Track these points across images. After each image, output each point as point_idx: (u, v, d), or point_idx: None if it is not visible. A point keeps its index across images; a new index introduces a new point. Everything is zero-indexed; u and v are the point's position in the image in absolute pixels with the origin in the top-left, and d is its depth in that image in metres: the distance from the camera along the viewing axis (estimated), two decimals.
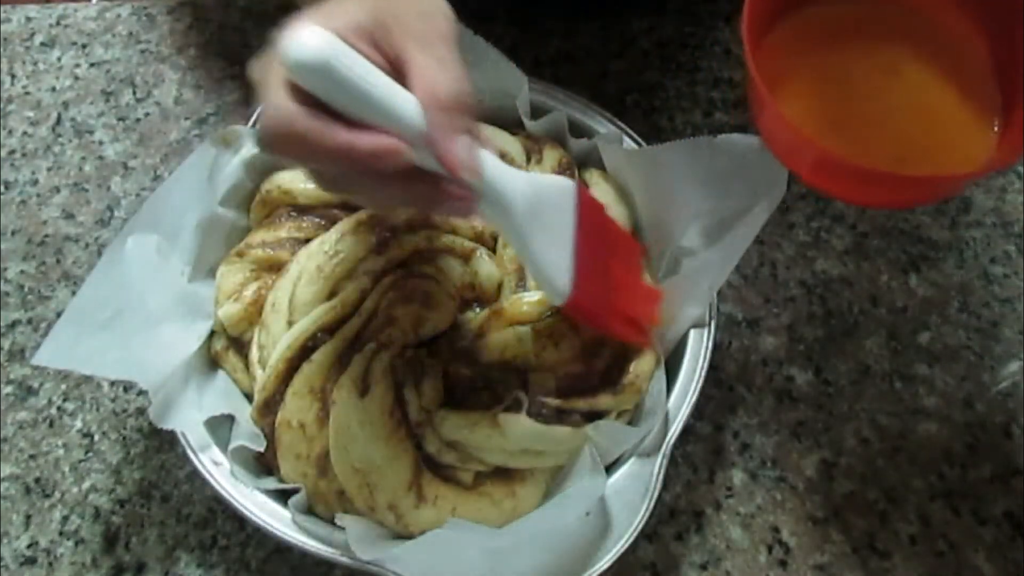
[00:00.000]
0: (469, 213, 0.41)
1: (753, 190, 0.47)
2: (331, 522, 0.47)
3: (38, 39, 0.71)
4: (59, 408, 0.57)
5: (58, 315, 0.55)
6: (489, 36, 0.51)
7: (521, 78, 0.54)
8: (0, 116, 0.68)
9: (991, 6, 0.46)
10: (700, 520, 0.53)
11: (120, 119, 0.68)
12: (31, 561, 0.53)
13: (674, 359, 0.51)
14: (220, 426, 0.50)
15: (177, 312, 0.51)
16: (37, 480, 0.55)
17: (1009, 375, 0.57)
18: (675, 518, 0.53)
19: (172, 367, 0.49)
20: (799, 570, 0.51)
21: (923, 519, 0.53)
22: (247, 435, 0.49)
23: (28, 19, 0.72)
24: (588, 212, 0.47)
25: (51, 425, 0.57)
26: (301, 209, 0.54)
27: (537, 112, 0.57)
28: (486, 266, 0.51)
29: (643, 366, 0.50)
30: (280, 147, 0.37)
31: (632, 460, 0.48)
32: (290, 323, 0.50)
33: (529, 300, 0.50)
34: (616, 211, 0.54)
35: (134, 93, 0.69)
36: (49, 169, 0.66)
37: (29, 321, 0.60)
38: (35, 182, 0.65)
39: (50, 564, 0.53)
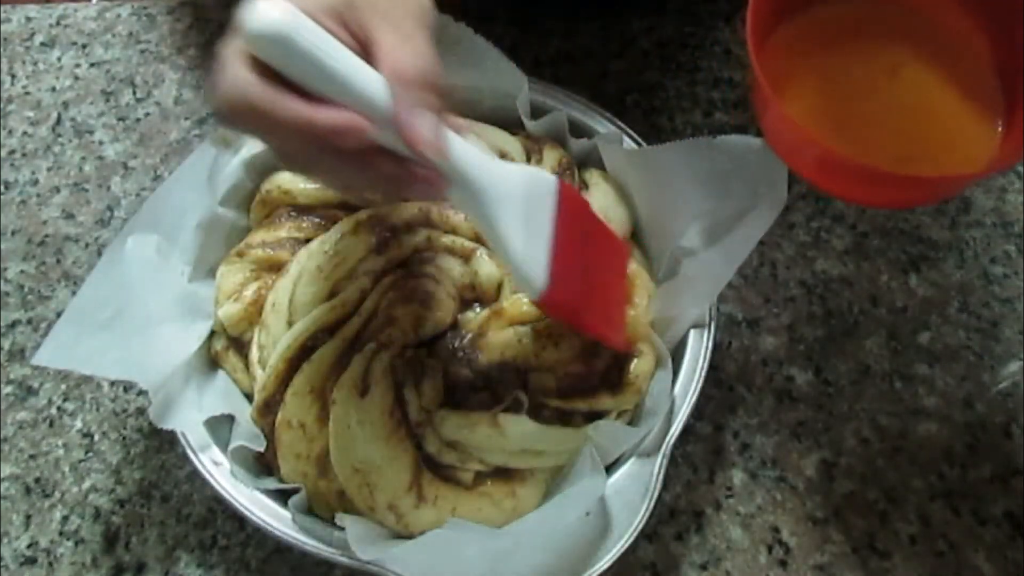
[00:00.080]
0: (437, 197, 0.40)
1: (753, 190, 0.47)
2: (331, 522, 0.47)
3: (38, 39, 0.71)
4: (59, 408, 0.57)
5: (58, 315, 0.55)
6: (489, 36, 0.51)
7: (521, 78, 0.54)
8: (0, 116, 0.68)
9: (993, 7, 0.46)
10: (700, 520, 0.53)
11: (120, 119, 0.68)
12: (31, 561, 0.53)
13: (674, 359, 0.51)
14: (220, 426, 0.50)
15: (177, 312, 0.51)
16: (37, 480, 0.55)
17: (1009, 375, 0.57)
18: (675, 518, 0.53)
19: (172, 367, 0.49)
20: (799, 570, 0.51)
21: (923, 519, 0.53)
22: (247, 435, 0.49)
23: (28, 19, 0.72)
24: (570, 208, 0.46)
25: (51, 425, 0.57)
26: (301, 209, 0.54)
27: (537, 112, 0.57)
28: (486, 266, 0.51)
29: (643, 366, 0.50)
30: (235, 118, 0.36)
31: (632, 460, 0.48)
32: (290, 323, 0.50)
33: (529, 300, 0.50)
34: (616, 211, 0.54)
35: (134, 93, 0.69)
36: (49, 169, 0.66)
37: (29, 321, 0.60)
38: (35, 182, 0.65)
39: (50, 564, 0.53)
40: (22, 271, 0.62)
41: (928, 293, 0.59)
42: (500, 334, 0.49)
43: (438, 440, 0.48)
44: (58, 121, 0.68)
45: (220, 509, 0.54)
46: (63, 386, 0.58)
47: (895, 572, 0.51)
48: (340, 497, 0.48)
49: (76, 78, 0.69)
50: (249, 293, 0.52)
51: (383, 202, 0.52)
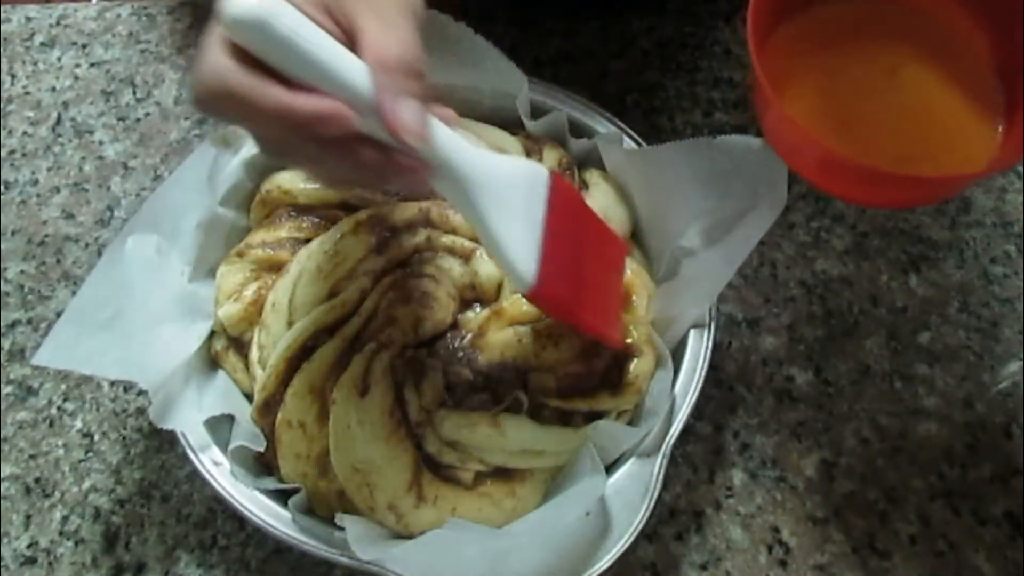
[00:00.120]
0: (421, 188, 0.39)
1: (753, 190, 0.47)
2: (331, 522, 0.47)
3: (38, 39, 0.71)
4: (59, 408, 0.57)
5: (58, 315, 0.55)
6: (489, 36, 0.51)
7: (521, 78, 0.54)
8: (0, 116, 0.68)
9: (993, 7, 0.46)
10: (700, 520, 0.53)
11: (120, 119, 0.68)
12: (31, 561, 0.53)
13: (674, 359, 0.51)
14: (220, 426, 0.50)
15: (177, 312, 0.51)
16: (37, 480, 0.55)
17: (1009, 375, 0.57)
18: (675, 518, 0.53)
19: (172, 367, 0.49)
20: (799, 570, 0.51)
21: (923, 519, 0.53)
22: (247, 435, 0.49)
23: (28, 19, 0.72)
24: (563, 201, 0.45)
25: (51, 425, 0.57)
26: (301, 209, 0.54)
27: (537, 112, 0.57)
28: (486, 266, 0.51)
29: (643, 366, 0.50)
30: (213, 105, 0.36)
31: (632, 460, 0.48)
32: (290, 323, 0.50)
33: None
34: (616, 211, 0.54)
35: (134, 93, 0.69)
36: (49, 169, 0.66)
37: (29, 321, 0.60)
38: (35, 182, 0.65)
39: (50, 564, 0.53)
40: (22, 271, 0.62)
41: (928, 293, 0.59)
42: (500, 334, 0.49)
43: (438, 440, 0.48)
44: (58, 121, 0.68)
45: (220, 509, 0.54)
46: (63, 386, 0.58)
47: (895, 572, 0.51)
48: (340, 497, 0.48)
49: (76, 78, 0.69)
50: (249, 293, 0.52)
51: (370, 193, 0.52)
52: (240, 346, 0.52)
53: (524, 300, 0.49)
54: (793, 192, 0.61)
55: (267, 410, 0.49)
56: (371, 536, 0.46)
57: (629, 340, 0.50)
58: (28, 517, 0.54)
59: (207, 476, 0.48)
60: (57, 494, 0.55)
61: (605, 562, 0.45)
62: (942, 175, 0.44)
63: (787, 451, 0.55)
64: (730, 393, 0.56)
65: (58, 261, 0.62)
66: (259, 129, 0.38)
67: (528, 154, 0.55)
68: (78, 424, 0.57)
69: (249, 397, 0.52)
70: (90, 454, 0.56)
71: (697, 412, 0.52)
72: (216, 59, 0.35)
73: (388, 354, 0.48)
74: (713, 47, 0.68)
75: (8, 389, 0.58)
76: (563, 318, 0.47)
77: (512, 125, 0.56)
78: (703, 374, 0.50)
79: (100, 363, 0.48)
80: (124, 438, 0.56)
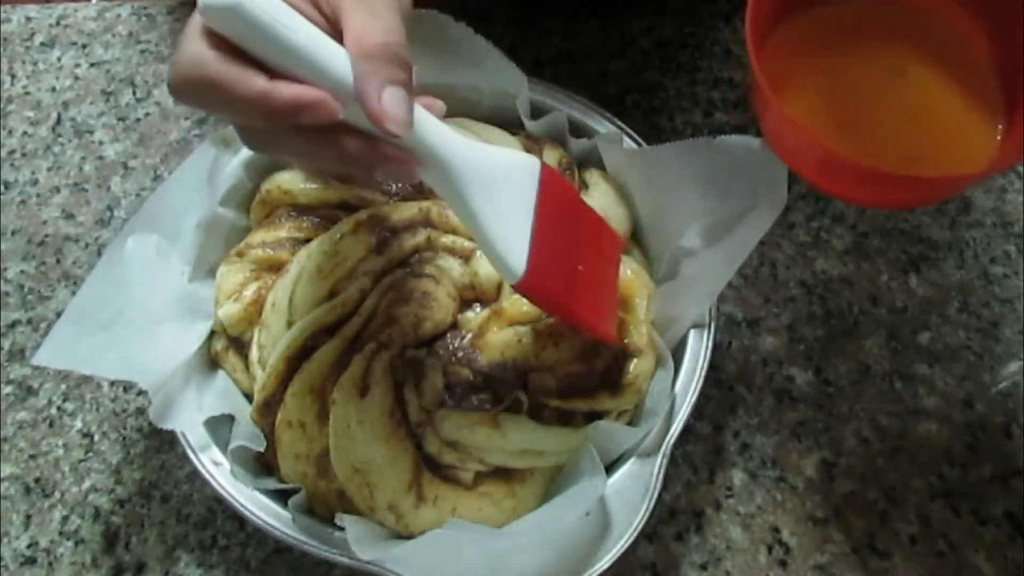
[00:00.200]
0: (407, 177, 0.39)
1: (753, 190, 0.47)
2: (331, 522, 0.47)
3: (38, 39, 0.71)
4: (59, 408, 0.57)
5: (58, 315, 0.55)
6: (489, 36, 0.51)
7: (521, 78, 0.54)
8: (0, 116, 0.68)
9: (993, 7, 0.46)
10: (700, 520, 0.53)
11: (120, 119, 0.68)
12: (31, 561, 0.53)
13: (674, 359, 0.51)
14: (220, 426, 0.50)
15: (177, 312, 0.51)
16: (37, 480, 0.55)
17: (1009, 375, 0.57)
18: (675, 518, 0.53)
19: (172, 367, 0.49)
20: (799, 570, 0.51)
21: (923, 519, 0.53)
22: (247, 435, 0.49)
23: (28, 19, 0.72)
24: (555, 194, 0.44)
25: (51, 425, 0.57)
26: (301, 209, 0.54)
27: (537, 112, 0.57)
28: (486, 266, 0.51)
29: (643, 366, 0.50)
30: (190, 94, 0.36)
31: (632, 460, 0.48)
32: (290, 323, 0.49)
33: None
34: (616, 211, 0.54)
35: (134, 93, 0.69)
36: (49, 169, 0.66)
37: (29, 321, 0.60)
38: (35, 182, 0.65)
39: (50, 564, 0.53)
40: (22, 271, 0.62)
41: (928, 293, 0.59)
42: (500, 334, 0.49)
43: (438, 440, 0.48)
44: (58, 121, 0.68)
45: (220, 509, 0.54)
46: (63, 386, 0.58)
47: (895, 572, 0.51)
48: (340, 497, 0.48)
49: (76, 78, 0.69)
50: (249, 293, 0.52)
51: (370, 193, 0.52)
52: (240, 346, 0.52)
53: (524, 300, 0.49)
54: (793, 192, 0.61)
55: (267, 410, 0.49)
56: (371, 536, 0.46)
57: (629, 340, 0.50)
58: (28, 517, 0.54)
59: (207, 476, 0.48)
60: (57, 494, 0.55)
61: (605, 562, 0.45)
62: (942, 175, 0.44)
63: (787, 451, 0.55)
64: (730, 393, 0.56)
65: (58, 261, 0.62)
66: (238, 118, 0.38)
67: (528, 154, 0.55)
68: (78, 424, 0.57)
69: (249, 397, 0.52)
70: (90, 454, 0.56)
71: (697, 412, 0.52)
72: (194, 47, 0.35)
73: (388, 354, 0.48)
74: (713, 47, 0.68)
75: (8, 389, 0.58)
76: (554, 310, 0.47)
77: (512, 125, 0.56)
78: (703, 374, 0.50)
79: (100, 363, 0.48)
80: (124, 438, 0.56)
